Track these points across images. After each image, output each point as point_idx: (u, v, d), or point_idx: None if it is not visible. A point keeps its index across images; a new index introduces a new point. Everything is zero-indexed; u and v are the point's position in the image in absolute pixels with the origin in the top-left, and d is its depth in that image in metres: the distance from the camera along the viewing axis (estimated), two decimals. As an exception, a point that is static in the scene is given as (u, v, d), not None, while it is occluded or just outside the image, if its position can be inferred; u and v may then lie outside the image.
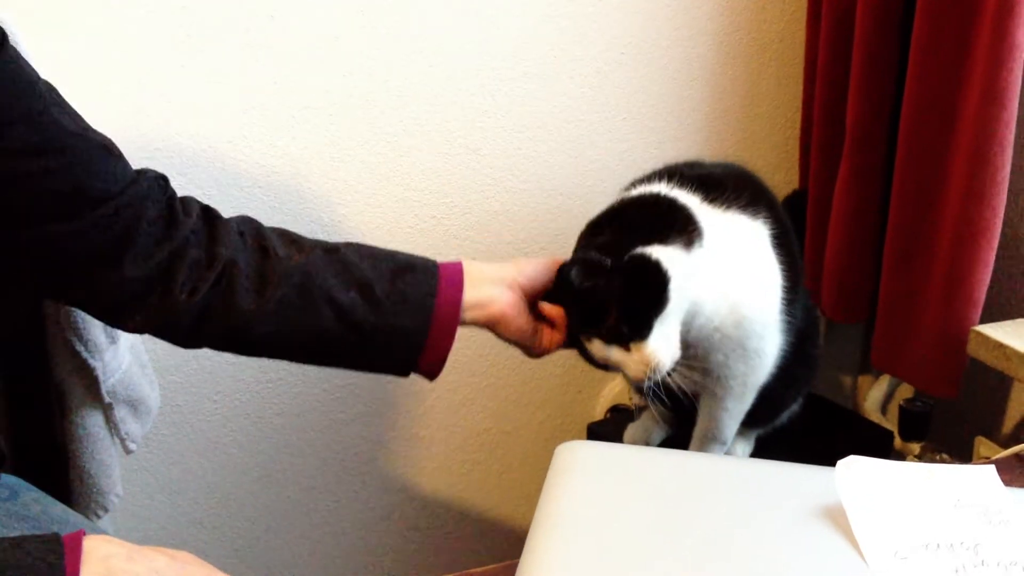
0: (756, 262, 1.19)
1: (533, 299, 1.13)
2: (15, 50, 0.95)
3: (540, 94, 1.60)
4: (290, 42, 1.45)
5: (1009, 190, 1.38)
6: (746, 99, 1.74)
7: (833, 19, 1.56)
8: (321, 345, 1.06)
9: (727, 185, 1.18)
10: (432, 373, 1.09)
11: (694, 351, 1.16)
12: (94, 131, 1.00)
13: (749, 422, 1.40)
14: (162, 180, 1.04)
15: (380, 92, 1.51)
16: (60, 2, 1.33)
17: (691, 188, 1.15)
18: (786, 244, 1.22)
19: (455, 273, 1.08)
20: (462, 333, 1.68)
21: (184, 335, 1.03)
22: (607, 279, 1.06)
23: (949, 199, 1.42)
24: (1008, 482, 0.93)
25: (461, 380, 1.71)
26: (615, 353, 1.09)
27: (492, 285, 1.10)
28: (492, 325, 1.11)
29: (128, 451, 1.26)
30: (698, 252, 1.10)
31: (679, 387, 1.11)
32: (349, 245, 1.08)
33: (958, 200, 1.40)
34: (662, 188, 1.16)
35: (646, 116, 1.68)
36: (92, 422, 1.23)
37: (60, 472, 1.23)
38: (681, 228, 1.10)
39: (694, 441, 1.30)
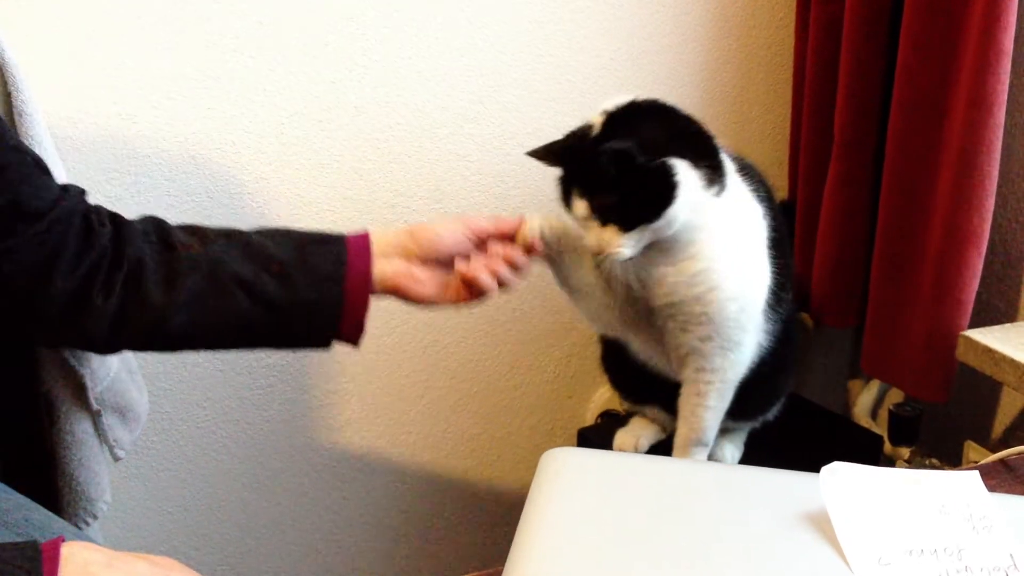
0: (752, 248, 1.20)
1: (441, 259, 1.13)
2: None
3: (529, 100, 1.60)
4: (279, 48, 1.45)
5: (997, 195, 1.38)
6: (735, 105, 1.74)
7: (821, 26, 1.57)
8: (239, 328, 1.07)
9: (745, 169, 1.21)
10: (354, 340, 1.10)
11: (666, 325, 1.20)
12: (25, 147, 1.02)
13: (738, 415, 1.39)
14: (81, 193, 1.06)
15: (369, 98, 1.51)
16: (47, 8, 1.33)
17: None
18: (780, 244, 1.23)
19: (362, 240, 1.10)
20: (455, 338, 1.68)
21: (104, 340, 1.05)
22: (631, 171, 1.09)
23: (937, 204, 1.43)
24: (994, 487, 0.93)
25: (451, 385, 1.71)
26: (591, 222, 1.12)
27: (386, 259, 1.11)
28: (392, 293, 1.12)
29: (116, 458, 1.26)
30: (711, 195, 1.13)
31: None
32: (255, 230, 1.10)
33: (946, 205, 1.41)
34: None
35: (636, 122, 1.68)
36: (80, 429, 1.22)
37: (48, 480, 1.23)
38: (710, 166, 1.13)
39: (677, 447, 1.30)
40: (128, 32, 1.38)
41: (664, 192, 1.10)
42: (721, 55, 1.70)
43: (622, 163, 1.08)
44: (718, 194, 1.14)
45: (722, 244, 1.16)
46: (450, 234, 1.14)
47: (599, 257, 1.14)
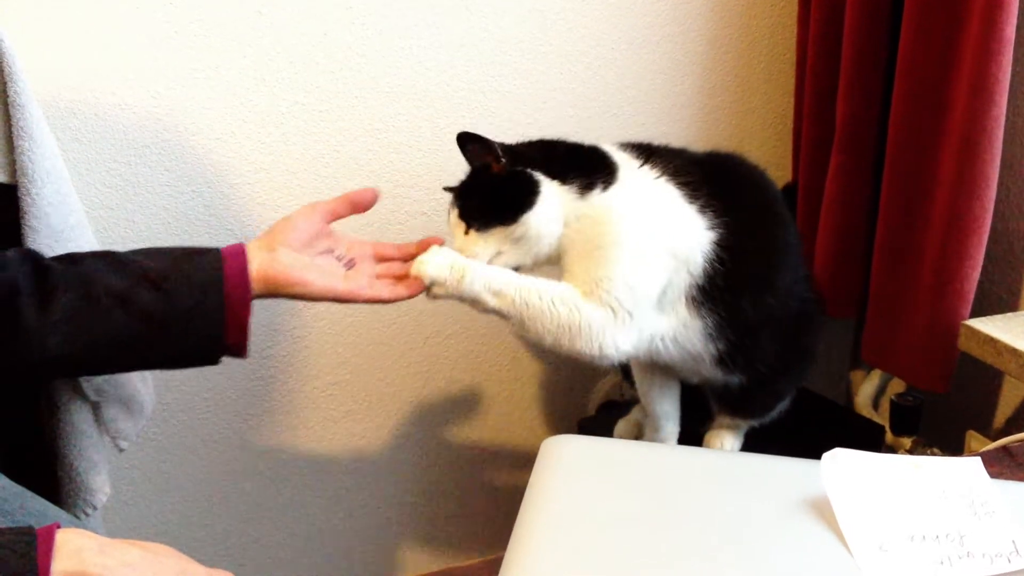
0: (660, 232, 1.20)
1: (303, 243, 1.13)
2: None
3: (530, 90, 1.60)
4: (278, 39, 1.45)
5: (999, 184, 1.38)
6: (737, 95, 1.74)
7: (823, 14, 1.56)
8: (119, 346, 1.04)
9: (674, 165, 1.24)
10: (240, 350, 1.08)
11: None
12: None
13: (744, 413, 1.40)
14: None
15: (369, 88, 1.51)
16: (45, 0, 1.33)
17: (632, 153, 1.25)
18: (745, 246, 1.23)
19: (236, 247, 1.09)
20: (456, 329, 1.68)
21: None
22: (497, 175, 1.19)
23: (939, 194, 1.42)
24: (995, 475, 0.93)
25: (452, 377, 1.71)
26: (458, 231, 1.21)
27: (257, 257, 1.09)
28: (277, 290, 1.10)
29: (120, 449, 1.26)
30: (596, 195, 1.19)
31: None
32: (129, 251, 1.08)
33: (948, 195, 1.40)
34: (606, 147, 1.25)
35: (636, 112, 1.68)
36: (80, 419, 1.22)
37: (48, 470, 1.23)
38: (589, 173, 1.20)
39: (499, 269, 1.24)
40: (127, 22, 1.37)
41: (523, 196, 1.17)
42: (722, 44, 1.70)
43: (485, 166, 1.19)
44: (604, 190, 1.19)
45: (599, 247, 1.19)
46: (300, 216, 1.14)
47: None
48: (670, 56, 1.67)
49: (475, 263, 1.18)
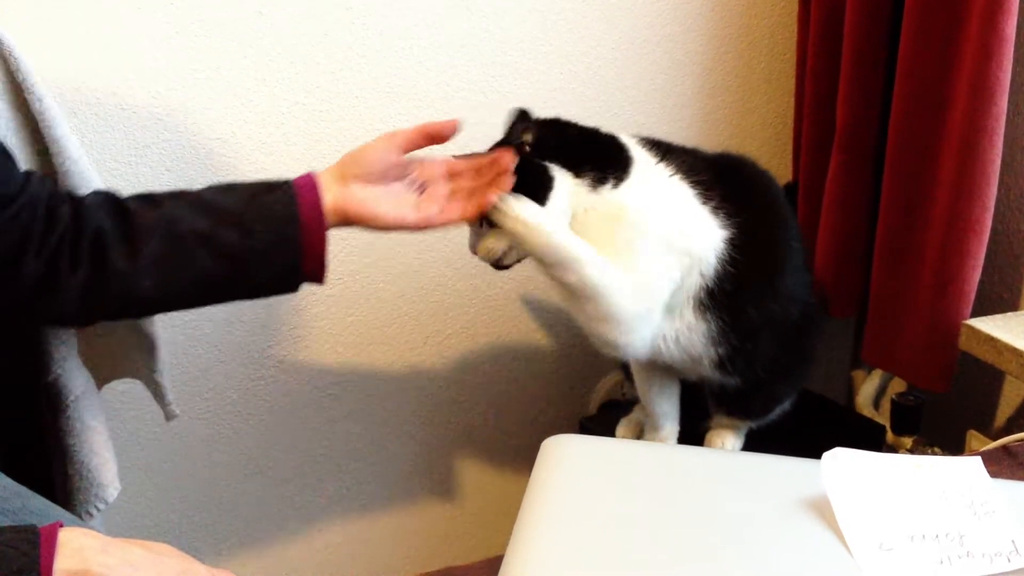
0: (672, 232, 1.20)
1: (375, 174, 1.14)
2: None
3: (530, 90, 1.60)
4: (279, 39, 1.45)
5: (999, 184, 1.38)
6: (737, 94, 1.74)
7: (823, 15, 1.56)
8: (205, 284, 1.09)
9: (688, 163, 1.24)
10: (317, 277, 1.12)
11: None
12: None
13: (741, 414, 1.40)
14: (42, 178, 1.08)
15: (369, 88, 1.51)
16: (46, 0, 1.33)
17: (649, 148, 1.25)
18: (752, 249, 1.23)
19: (307, 178, 1.11)
20: (457, 329, 1.68)
21: (76, 314, 1.07)
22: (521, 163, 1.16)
23: (940, 193, 1.42)
24: (995, 474, 0.93)
25: (453, 377, 1.71)
26: (478, 226, 1.20)
27: (330, 190, 1.12)
28: (349, 220, 1.13)
29: (173, 416, 1.32)
30: (607, 190, 1.19)
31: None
32: (206, 187, 1.12)
33: (948, 194, 1.40)
34: (625, 138, 1.25)
35: (637, 112, 1.68)
36: (90, 415, 1.23)
37: (51, 470, 1.23)
38: (603, 167, 1.19)
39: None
40: (128, 22, 1.37)
41: (539, 193, 1.16)
42: (722, 44, 1.70)
43: (520, 120, 1.19)
44: (615, 186, 1.19)
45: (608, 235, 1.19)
46: (373, 149, 1.15)
47: (479, 257, 1.20)
48: (670, 56, 1.67)
49: (550, 222, 1.17)
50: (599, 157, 1.21)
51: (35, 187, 1.04)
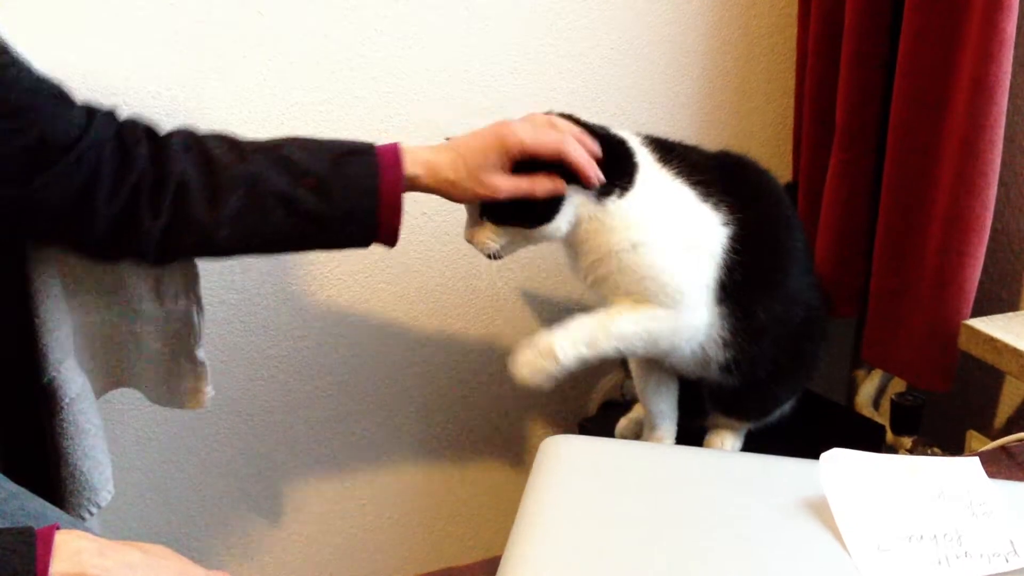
0: (680, 230, 1.22)
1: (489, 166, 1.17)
2: None
3: (530, 90, 1.60)
4: (279, 38, 1.45)
5: (999, 184, 1.38)
6: (737, 94, 1.74)
7: (822, 13, 1.56)
8: (281, 238, 1.15)
9: (689, 162, 1.24)
10: (389, 243, 1.17)
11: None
12: (45, 80, 1.05)
13: (738, 415, 1.40)
14: (110, 115, 1.10)
15: (369, 88, 1.51)
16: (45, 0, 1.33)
17: (651, 148, 1.25)
18: (752, 242, 1.24)
19: (392, 150, 1.15)
20: (456, 329, 1.68)
21: (154, 256, 1.11)
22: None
23: (939, 193, 1.42)
24: (994, 474, 0.93)
25: (453, 377, 1.71)
26: (472, 210, 1.22)
27: (421, 165, 1.16)
28: (436, 190, 1.18)
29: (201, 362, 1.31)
30: (612, 202, 1.19)
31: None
32: (289, 141, 1.15)
33: (948, 194, 1.40)
34: (627, 135, 1.26)
35: (637, 112, 1.68)
36: (84, 418, 1.22)
37: (48, 471, 1.23)
38: (611, 178, 1.19)
39: (572, 320, 1.26)
40: (128, 22, 1.38)
41: (547, 210, 1.18)
42: (722, 44, 1.70)
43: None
44: (620, 196, 1.19)
45: (627, 230, 1.20)
46: (491, 154, 1.17)
47: (473, 246, 1.22)
48: (670, 56, 1.67)
49: (558, 339, 1.22)
50: (608, 166, 1.20)
51: (100, 129, 1.06)
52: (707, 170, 1.25)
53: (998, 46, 1.31)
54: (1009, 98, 1.34)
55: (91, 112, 1.08)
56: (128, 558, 0.80)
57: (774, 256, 1.29)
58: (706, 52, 1.69)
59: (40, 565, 0.77)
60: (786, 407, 1.45)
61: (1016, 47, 1.34)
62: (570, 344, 1.22)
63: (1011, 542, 0.84)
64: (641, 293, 1.22)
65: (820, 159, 1.61)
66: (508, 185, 1.16)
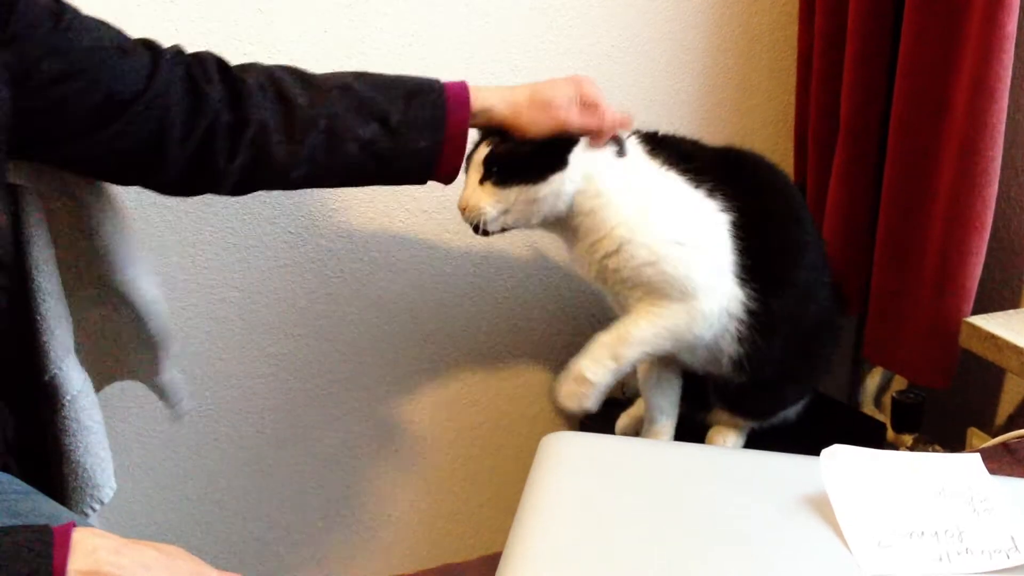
0: (672, 217, 1.23)
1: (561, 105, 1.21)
2: None
3: (530, 87, 1.59)
4: (279, 35, 1.45)
5: (1000, 182, 1.38)
6: (738, 92, 1.73)
7: (826, 10, 1.56)
8: (349, 174, 1.19)
9: (678, 154, 1.26)
10: (448, 180, 1.21)
11: (624, 297, 1.27)
12: (106, 32, 1.08)
13: (742, 413, 1.40)
14: (177, 56, 1.10)
15: (370, 86, 1.51)
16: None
17: (645, 142, 1.27)
18: (757, 232, 1.25)
19: (461, 88, 1.19)
20: (457, 327, 1.68)
21: (230, 190, 1.15)
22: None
23: (940, 191, 1.42)
24: (995, 470, 0.93)
25: (454, 375, 1.71)
26: (474, 175, 1.22)
27: (495, 94, 1.21)
28: (501, 124, 1.21)
29: (183, 415, 1.33)
30: (611, 163, 1.22)
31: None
32: (360, 77, 1.18)
33: (949, 192, 1.40)
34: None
35: (638, 109, 1.67)
36: (86, 415, 1.22)
37: (52, 468, 1.23)
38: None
39: (592, 343, 1.29)
40: (128, 18, 1.37)
41: (556, 159, 1.19)
42: (723, 41, 1.69)
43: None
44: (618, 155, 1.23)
45: (621, 213, 1.22)
46: (559, 95, 1.21)
47: (465, 216, 1.22)
48: (671, 54, 1.67)
49: (585, 364, 1.26)
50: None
51: (166, 75, 1.07)
52: (698, 159, 1.25)
53: (999, 45, 1.31)
54: (1010, 97, 1.34)
55: (156, 56, 1.09)
56: (144, 557, 0.81)
57: (783, 248, 1.29)
58: (707, 49, 1.69)
59: (57, 562, 0.77)
60: (791, 412, 1.45)
61: (1017, 46, 1.34)
62: (597, 365, 1.25)
63: (1012, 538, 0.84)
64: (646, 283, 1.22)
65: (824, 157, 1.61)
66: (579, 120, 1.20)
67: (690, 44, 1.68)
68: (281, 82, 1.13)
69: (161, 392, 1.32)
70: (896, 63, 1.47)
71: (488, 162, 1.20)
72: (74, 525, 0.81)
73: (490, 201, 1.20)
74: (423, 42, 1.52)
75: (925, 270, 1.45)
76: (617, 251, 1.22)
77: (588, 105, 1.21)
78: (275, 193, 1.51)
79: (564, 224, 1.25)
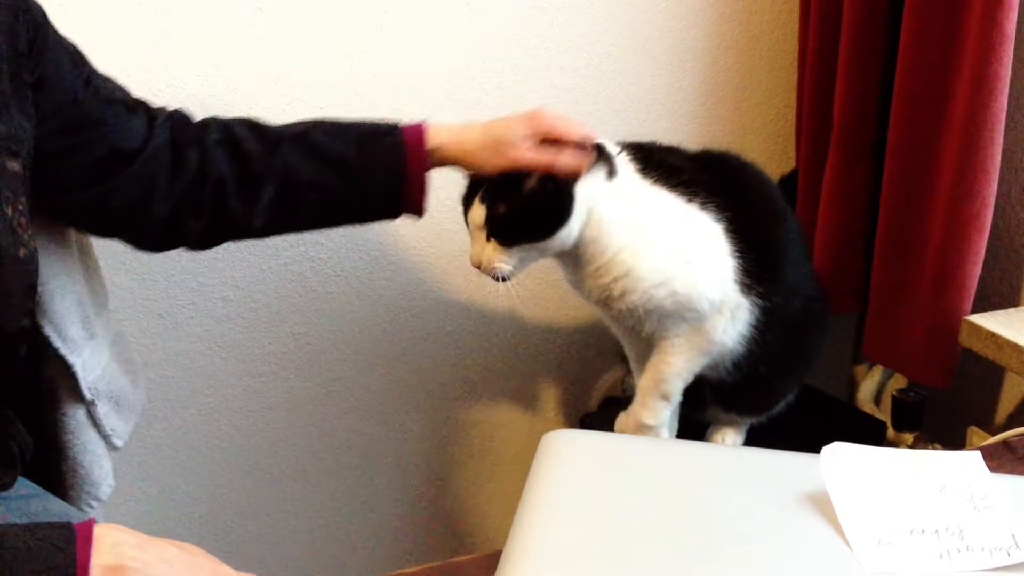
0: (675, 237, 1.23)
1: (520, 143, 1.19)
2: (54, 29, 1.05)
3: (531, 86, 1.60)
4: (279, 35, 1.45)
5: (1000, 180, 1.38)
6: (738, 90, 1.74)
7: (822, 9, 1.56)
8: (314, 220, 1.23)
9: (667, 166, 1.25)
10: (418, 216, 1.22)
11: (630, 321, 1.27)
12: (117, 89, 1.11)
13: (738, 410, 1.40)
14: (166, 119, 1.14)
15: (370, 84, 1.51)
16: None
17: (635, 160, 1.25)
18: (747, 235, 1.25)
19: (416, 129, 1.19)
20: (457, 326, 1.68)
21: (198, 247, 1.19)
22: (532, 189, 1.17)
23: (940, 189, 1.42)
24: (996, 468, 0.93)
25: (454, 373, 1.71)
26: (479, 233, 1.21)
27: (445, 133, 1.20)
28: (457, 163, 1.21)
29: (114, 447, 1.27)
30: (614, 185, 1.20)
31: None
32: (315, 125, 1.19)
33: (949, 190, 1.40)
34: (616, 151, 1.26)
35: (638, 108, 1.68)
36: (83, 413, 1.22)
37: (51, 466, 1.23)
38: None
39: (637, 396, 1.33)
40: (126, 19, 1.38)
41: (559, 214, 1.17)
42: (722, 40, 1.70)
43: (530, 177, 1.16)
44: (609, 178, 1.21)
45: (623, 237, 1.21)
46: (513, 133, 1.19)
47: (481, 271, 1.21)
48: (670, 52, 1.67)
49: (640, 415, 1.32)
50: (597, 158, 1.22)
51: (159, 135, 1.11)
52: (688, 172, 1.25)
53: (998, 43, 1.32)
54: (1009, 95, 1.35)
55: (151, 117, 1.13)
56: (165, 554, 0.81)
57: (767, 248, 1.29)
58: (707, 48, 1.69)
59: (80, 558, 0.77)
60: (782, 405, 1.45)
61: (1016, 45, 1.34)
62: (650, 410, 1.31)
63: (1013, 536, 0.83)
64: (657, 307, 1.23)
65: (819, 154, 1.61)
66: (531, 156, 1.17)
67: (691, 43, 1.68)
68: (234, 135, 1.16)
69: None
70: (891, 61, 1.47)
71: (490, 225, 1.19)
72: (95, 521, 0.81)
73: (502, 259, 1.20)
74: (423, 41, 1.52)
75: (925, 268, 1.45)
76: (625, 275, 1.22)
77: (547, 140, 1.18)
78: (275, 192, 1.51)
79: (566, 252, 1.24)
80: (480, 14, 1.54)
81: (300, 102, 1.48)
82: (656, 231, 1.22)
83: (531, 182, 1.17)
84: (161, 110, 1.15)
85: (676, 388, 1.31)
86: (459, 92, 1.56)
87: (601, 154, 1.21)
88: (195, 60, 1.42)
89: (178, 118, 1.16)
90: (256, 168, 1.14)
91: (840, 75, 1.53)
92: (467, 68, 1.55)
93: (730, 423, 1.42)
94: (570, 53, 1.61)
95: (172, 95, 1.42)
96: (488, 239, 1.19)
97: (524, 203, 1.17)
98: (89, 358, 1.19)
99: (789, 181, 1.67)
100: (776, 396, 1.42)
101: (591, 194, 1.19)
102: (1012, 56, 1.33)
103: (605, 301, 1.26)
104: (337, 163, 1.16)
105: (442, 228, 1.61)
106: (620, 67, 1.64)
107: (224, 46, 1.43)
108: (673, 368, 1.29)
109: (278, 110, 1.47)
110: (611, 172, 1.21)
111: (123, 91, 1.12)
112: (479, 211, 1.19)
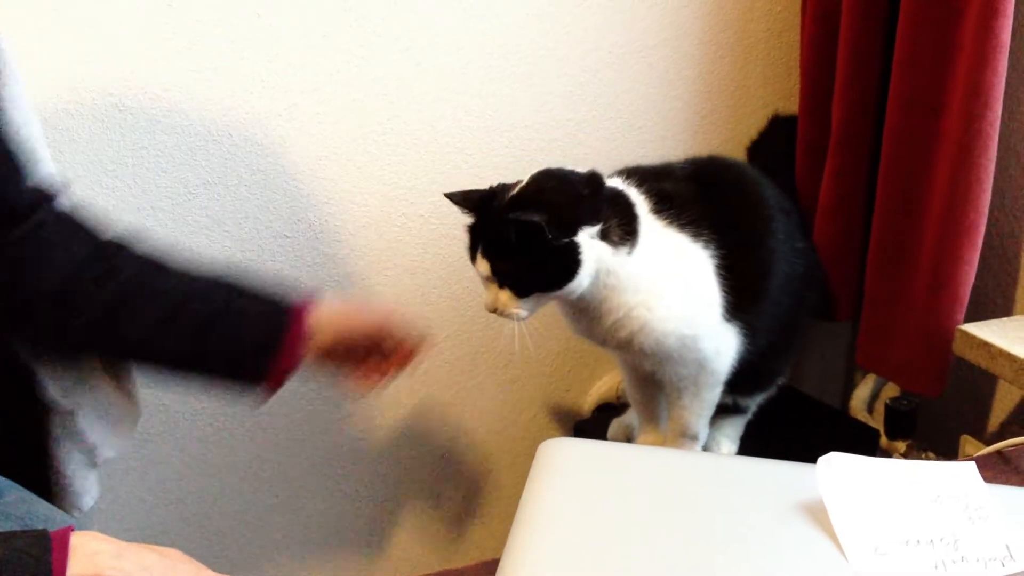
0: (679, 283, 1.24)
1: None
2: None
3: (527, 93, 1.60)
4: (277, 40, 1.45)
5: (994, 189, 1.38)
6: (734, 97, 1.74)
7: (818, 18, 1.56)
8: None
9: (677, 201, 1.25)
10: (272, 389, 1.19)
11: (635, 359, 1.29)
12: (12, 144, 1.06)
13: (742, 392, 1.42)
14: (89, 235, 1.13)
15: (367, 91, 1.51)
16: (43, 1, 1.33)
17: (646, 193, 1.24)
18: (737, 259, 1.27)
19: (299, 330, 1.17)
20: (452, 332, 1.68)
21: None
22: (537, 243, 1.14)
23: (934, 198, 1.43)
24: (990, 479, 0.93)
25: (449, 380, 1.71)
26: (491, 282, 1.19)
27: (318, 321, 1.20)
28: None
29: (93, 463, 1.27)
30: (623, 255, 1.19)
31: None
32: (205, 289, 1.17)
33: (943, 199, 1.41)
34: (622, 185, 1.25)
35: (634, 115, 1.68)
36: (69, 421, 1.22)
37: (36, 471, 1.23)
38: (622, 227, 1.19)
39: (668, 438, 1.36)
40: (125, 23, 1.37)
41: (568, 266, 1.15)
42: (719, 48, 1.70)
43: (528, 235, 1.13)
44: (630, 252, 1.19)
45: (639, 292, 1.21)
46: (359, 333, 1.25)
47: (498, 315, 1.20)
48: (666, 60, 1.67)
49: (688, 443, 1.35)
50: (616, 216, 1.20)
51: (47, 213, 1.08)
52: (691, 202, 1.26)
53: (993, 52, 1.32)
54: (1004, 103, 1.35)
55: (45, 194, 1.10)
56: (144, 560, 0.80)
57: (758, 264, 1.33)
58: (702, 56, 1.69)
59: (57, 567, 0.77)
60: (787, 370, 1.50)
61: (1011, 53, 1.34)
62: (691, 439, 1.35)
63: (1007, 547, 0.84)
64: (666, 351, 1.25)
65: (815, 163, 1.62)
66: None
67: (687, 50, 1.68)
68: (124, 300, 1.13)
69: None
70: (887, 69, 1.47)
71: (498, 278, 1.18)
72: (72, 529, 0.81)
73: (516, 305, 1.19)
74: (421, 48, 1.52)
75: (918, 277, 1.46)
76: (640, 329, 1.22)
77: (388, 351, 1.25)
78: (271, 196, 1.51)
79: (578, 303, 1.23)
80: (477, 21, 1.54)
81: (297, 107, 1.48)
82: (668, 281, 1.23)
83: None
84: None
85: (702, 424, 1.35)
86: (456, 98, 1.56)
87: (619, 204, 1.21)
88: (193, 64, 1.41)
89: (114, 241, 1.15)
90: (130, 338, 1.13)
91: (837, 83, 1.53)
92: (464, 75, 1.56)
93: (724, 425, 1.43)
94: (567, 61, 1.61)
95: (169, 99, 1.42)
96: (501, 286, 1.18)
97: (529, 258, 1.15)
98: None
99: (776, 124, 1.68)
100: (771, 377, 1.45)
101: (601, 256, 1.18)
102: (1007, 66, 1.33)
103: (615, 347, 1.28)
104: (220, 336, 1.15)
105: (438, 235, 1.61)
106: (616, 75, 1.65)
107: (222, 50, 1.42)
108: (693, 411, 1.33)
109: (275, 115, 1.47)
110: (632, 246, 1.20)
111: (24, 159, 1.08)
112: (484, 265, 1.18)
